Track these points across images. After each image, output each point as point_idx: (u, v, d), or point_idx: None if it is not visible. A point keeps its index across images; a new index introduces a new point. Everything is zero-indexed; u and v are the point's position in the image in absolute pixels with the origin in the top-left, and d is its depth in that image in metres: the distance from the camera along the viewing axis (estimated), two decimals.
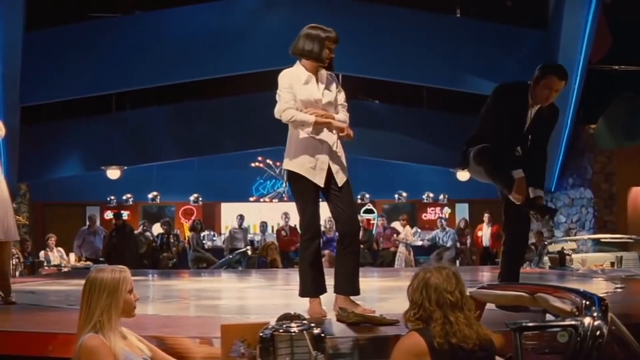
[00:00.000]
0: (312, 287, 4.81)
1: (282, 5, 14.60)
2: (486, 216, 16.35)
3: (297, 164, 4.72)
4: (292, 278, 9.72)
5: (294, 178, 4.75)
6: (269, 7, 14.66)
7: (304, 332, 3.17)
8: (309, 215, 4.77)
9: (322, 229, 15.33)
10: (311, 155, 4.73)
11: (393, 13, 14.80)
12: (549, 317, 3.13)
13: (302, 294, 4.87)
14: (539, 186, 5.26)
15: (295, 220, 16.42)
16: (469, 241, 16.40)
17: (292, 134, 4.83)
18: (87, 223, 15.84)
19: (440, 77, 14.68)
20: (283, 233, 15.54)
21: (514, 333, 2.64)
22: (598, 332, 2.51)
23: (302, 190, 4.76)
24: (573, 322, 2.55)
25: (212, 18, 14.72)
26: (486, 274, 10.21)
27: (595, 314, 2.56)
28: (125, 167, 16.24)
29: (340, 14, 14.63)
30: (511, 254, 5.39)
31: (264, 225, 16.74)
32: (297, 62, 4.98)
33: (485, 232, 16.23)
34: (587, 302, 2.62)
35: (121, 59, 14.56)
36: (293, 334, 3.16)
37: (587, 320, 2.54)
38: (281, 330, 3.19)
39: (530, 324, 2.68)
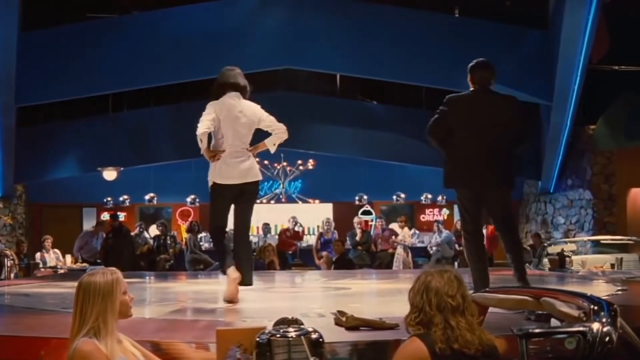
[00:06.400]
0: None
1: (281, 6, 14.53)
2: None
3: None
4: (289, 280, 9.68)
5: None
6: (268, 7, 14.58)
7: (302, 337, 3.09)
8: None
9: (320, 230, 15.41)
10: None
11: (391, 13, 14.71)
12: (553, 322, 3.05)
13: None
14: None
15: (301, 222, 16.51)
16: None
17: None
18: (94, 225, 15.70)
19: (439, 78, 14.56)
20: (288, 234, 15.51)
21: (520, 340, 2.55)
22: (607, 339, 2.42)
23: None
24: (581, 328, 2.46)
25: (210, 18, 14.64)
26: None
27: (604, 320, 2.47)
28: (122, 168, 16.16)
29: (337, 14, 14.59)
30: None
31: (267, 227, 16.63)
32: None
33: None
34: (596, 307, 2.53)
35: (118, 59, 14.47)
36: (290, 339, 3.08)
37: (596, 326, 2.45)
38: (278, 335, 3.10)
39: (537, 330, 2.59)
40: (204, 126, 5.86)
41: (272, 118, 6.17)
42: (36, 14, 14.51)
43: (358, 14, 14.64)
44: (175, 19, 14.85)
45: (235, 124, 6.02)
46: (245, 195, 6.10)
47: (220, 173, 6.04)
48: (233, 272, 5.85)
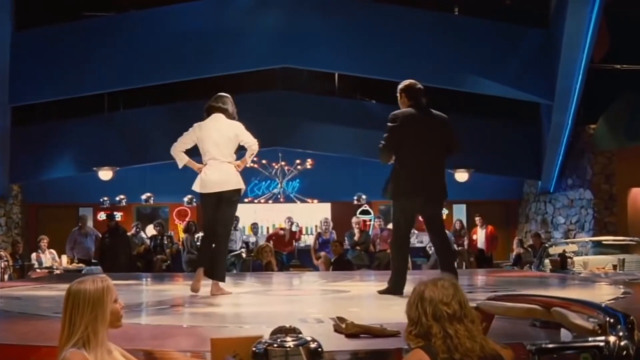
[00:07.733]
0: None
1: (279, 4, 14.42)
2: (478, 219, 16.17)
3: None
4: (287, 282, 9.54)
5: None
6: (265, 5, 14.47)
7: (300, 347, 2.97)
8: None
9: (318, 230, 15.29)
10: None
11: (390, 11, 14.59)
12: (564, 332, 2.92)
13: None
14: None
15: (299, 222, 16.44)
16: (465, 242, 16.19)
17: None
18: (79, 224, 15.65)
19: (439, 77, 14.43)
20: (281, 232, 15.39)
21: (532, 355, 2.42)
22: (624, 353, 2.28)
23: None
24: (597, 343, 2.32)
25: (206, 17, 14.53)
26: (482, 277, 10.00)
27: (621, 333, 2.33)
28: (118, 168, 16.02)
29: (336, 13, 14.48)
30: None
31: (255, 227, 16.53)
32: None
33: (479, 235, 16.06)
34: (612, 320, 2.39)
35: (114, 58, 14.37)
36: (288, 348, 2.95)
37: (613, 340, 2.31)
38: (275, 345, 2.97)
39: (551, 346, 2.45)
40: (174, 145, 7.16)
41: (248, 134, 7.00)
42: (31, 12, 14.39)
43: (357, 12, 14.53)
44: (172, 17, 14.74)
45: (215, 141, 6.95)
46: (223, 201, 6.91)
47: (200, 183, 6.96)
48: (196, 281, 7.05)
